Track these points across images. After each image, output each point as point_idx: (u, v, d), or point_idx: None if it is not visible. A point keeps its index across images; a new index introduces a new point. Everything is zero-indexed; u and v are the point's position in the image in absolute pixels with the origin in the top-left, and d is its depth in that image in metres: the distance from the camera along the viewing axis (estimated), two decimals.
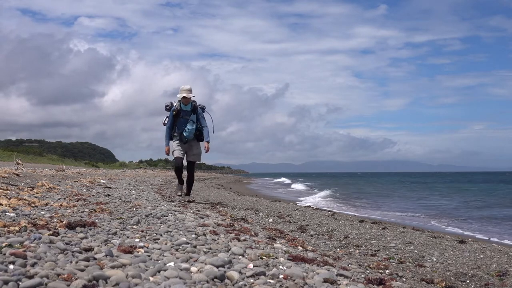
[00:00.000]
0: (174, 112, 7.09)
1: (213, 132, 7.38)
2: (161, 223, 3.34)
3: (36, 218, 2.99)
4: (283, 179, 53.79)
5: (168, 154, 7.23)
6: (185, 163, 7.40)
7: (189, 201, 6.91)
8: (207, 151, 7.15)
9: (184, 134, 7.06)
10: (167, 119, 7.25)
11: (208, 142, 7.18)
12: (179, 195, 7.31)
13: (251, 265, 2.16)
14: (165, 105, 7.36)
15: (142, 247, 2.34)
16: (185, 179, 7.42)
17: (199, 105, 7.37)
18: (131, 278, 1.75)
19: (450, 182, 42.84)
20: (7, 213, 3.10)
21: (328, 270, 2.29)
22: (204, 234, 2.95)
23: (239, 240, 2.91)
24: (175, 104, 7.18)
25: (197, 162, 7.42)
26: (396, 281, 2.46)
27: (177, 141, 7.15)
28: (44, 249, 2.00)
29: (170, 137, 7.19)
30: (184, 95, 6.98)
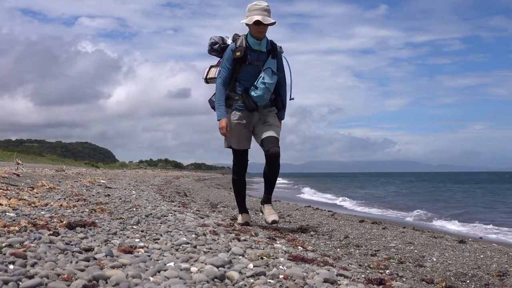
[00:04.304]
0: (237, 53, 3.91)
1: (291, 98, 4.19)
2: (161, 223, 3.34)
3: (36, 218, 2.99)
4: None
5: (225, 134, 4.01)
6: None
7: (274, 222, 4.14)
8: None
9: (253, 94, 3.93)
10: (211, 70, 4.23)
11: (282, 119, 4.21)
12: (242, 224, 4.15)
13: (251, 265, 2.16)
14: (209, 42, 4.14)
15: (142, 247, 2.34)
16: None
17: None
18: (131, 278, 1.75)
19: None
20: (7, 213, 3.10)
21: (328, 270, 2.29)
22: (204, 234, 2.95)
23: (239, 240, 2.91)
24: (233, 41, 4.06)
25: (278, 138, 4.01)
26: (396, 281, 2.46)
27: (238, 113, 4.04)
28: (44, 249, 2.00)
29: (225, 100, 4.02)
30: (259, 18, 3.84)
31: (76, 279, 1.65)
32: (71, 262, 1.88)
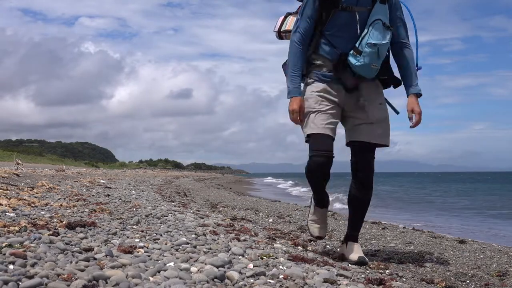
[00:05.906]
0: None
1: (418, 67, 2.80)
2: (161, 223, 3.34)
3: (36, 218, 2.99)
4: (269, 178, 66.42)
5: (295, 121, 2.68)
6: None
7: (362, 263, 2.76)
8: (415, 124, 2.79)
9: (355, 62, 2.55)
10: (289, 19, 2.89)
11: (418, 94, 2.79)
12: (317, 236, 3.02)
13: (251, 265, 2.16)
14: None
15: (142, 247, 2.34)
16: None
17: None
18: (131, 278, 1.75)
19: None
20: (7, 213, 3.10)
21: (328, 270, 2.29)
22: (204, 234, 2.95)
23: (239, 240, 2.91)
24: None
25: (382, 145, 2.71)
26: (396, 281, 2.46)
27: (322, 85, 2.67)
28: (44, 249, 2.00)
29: (303, 69, 2.71)
30: None
31: (76, 279, 1.65)
32: (71, 262, 1.88)
